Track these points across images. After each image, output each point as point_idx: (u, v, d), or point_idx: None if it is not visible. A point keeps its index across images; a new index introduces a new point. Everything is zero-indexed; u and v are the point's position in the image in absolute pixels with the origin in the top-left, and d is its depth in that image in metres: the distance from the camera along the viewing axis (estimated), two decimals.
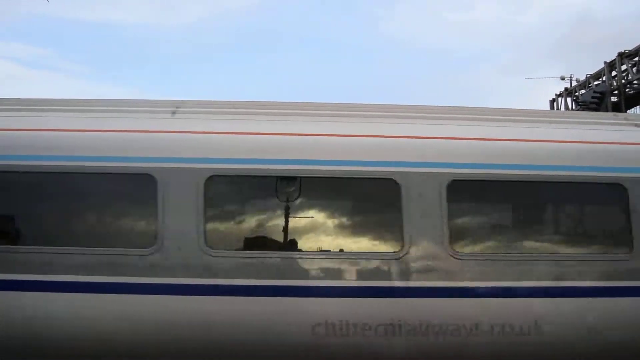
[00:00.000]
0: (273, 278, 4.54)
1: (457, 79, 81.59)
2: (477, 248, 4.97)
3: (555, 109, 27.28)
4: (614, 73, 24.25)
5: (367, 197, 5.01)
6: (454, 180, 4.70)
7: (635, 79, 23.53)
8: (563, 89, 28.06)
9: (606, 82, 24.45)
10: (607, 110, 22.58)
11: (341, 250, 4.78)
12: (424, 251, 4.58)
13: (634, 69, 23.54)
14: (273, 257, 4.66)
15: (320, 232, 4.96)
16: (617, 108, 23.37)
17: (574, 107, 25.96)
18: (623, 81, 23.82)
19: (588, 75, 26.20)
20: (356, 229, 5.04)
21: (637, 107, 23.68)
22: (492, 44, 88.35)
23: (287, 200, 4.82)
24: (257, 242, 4.79)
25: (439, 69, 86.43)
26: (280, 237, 4.83)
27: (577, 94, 26.86)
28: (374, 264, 4.64)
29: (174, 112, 5.01)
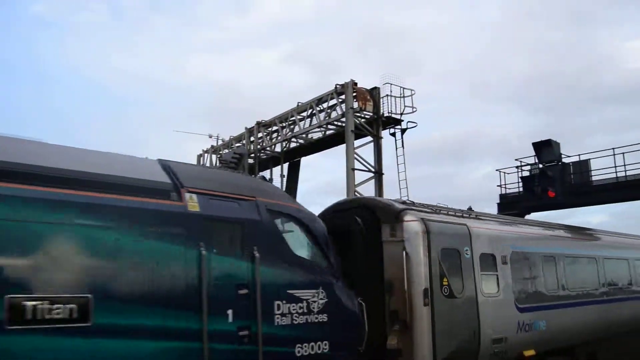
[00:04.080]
0: None
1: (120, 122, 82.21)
2: None
3: (201, 163, 29.90)
4: (252, 138, 27.61)
5: None
6: None
7: (268, 146, 27.12)
8: (210, 146, 31.05)
9: (245, 145, 27.70)
10: (244, 170, 25.60)
11: None
12: None
13: (268, 137, 27.14)
14: None
15: None
16: (252, 169, 26.61)
17: (217, 164, 28.68)
18: (259, 146, 27.24)
19: (231, 137, 29.46)
20: None
21: (268, 170, 27.20)
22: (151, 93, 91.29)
23: None
24: None
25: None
26: None
27: (221, 152, 29.85)
28: None
29: None
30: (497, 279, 10.22)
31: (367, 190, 22.19)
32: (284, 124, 25.94)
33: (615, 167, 20.06)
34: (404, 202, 10.12)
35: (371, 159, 22.99)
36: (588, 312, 12.49)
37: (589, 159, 21.12)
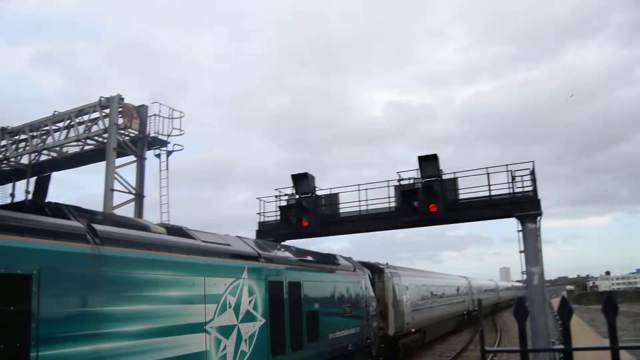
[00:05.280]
0: None
1: None
2: None
3: None
4: None
5: None
6: None
7: (13, 157, 24.21)
8: None
9: None
10: None
11: None
12: None
13: (14, 147, 24.25)
14: None
15: None
16: None
17: None
18: (1, 156, 24.17)
19: None
20: None
21: (10, 183, 24.24)
22: None
23: None
24: None
25: None
26: None
27: None
28: None
29: None
30: (407, 294, 23.47)
31: (127, 211, 21.23)
32: (34, 133, 23.47)
33: (360, 201, 22.56)
34: (380, 264, 22.64)
35: (132, 180, 22.14)
36: (427, 311, 27.22)
37: (338, 192, 23.39)
